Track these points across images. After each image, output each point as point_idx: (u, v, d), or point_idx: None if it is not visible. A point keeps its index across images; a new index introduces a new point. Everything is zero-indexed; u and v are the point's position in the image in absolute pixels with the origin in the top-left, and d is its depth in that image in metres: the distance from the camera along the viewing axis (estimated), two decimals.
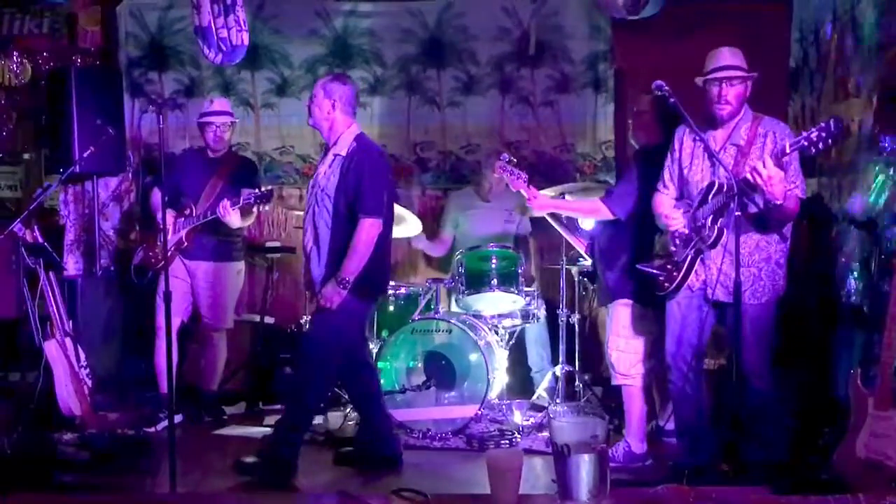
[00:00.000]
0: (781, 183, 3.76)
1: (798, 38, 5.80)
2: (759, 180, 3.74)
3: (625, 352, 4.73)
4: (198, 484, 4.44)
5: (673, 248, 4.23)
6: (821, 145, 3.63)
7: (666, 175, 4.36)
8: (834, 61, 5.21)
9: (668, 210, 4.26)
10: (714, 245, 4.03)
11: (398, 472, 4.69)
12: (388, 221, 4.68)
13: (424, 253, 6.68)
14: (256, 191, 5.34)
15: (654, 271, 4.31)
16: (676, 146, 4.30)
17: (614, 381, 4.83)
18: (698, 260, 4.14)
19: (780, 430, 4.15)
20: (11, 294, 5.74)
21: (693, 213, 4.14)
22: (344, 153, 4.56)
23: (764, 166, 3.72)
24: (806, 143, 3.66)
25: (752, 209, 3.94)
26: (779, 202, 3.80)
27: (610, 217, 4.69)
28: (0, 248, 5.60)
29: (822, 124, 3.64)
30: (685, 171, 4.24)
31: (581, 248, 5.44)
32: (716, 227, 4.00)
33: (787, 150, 3.76)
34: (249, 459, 4.57)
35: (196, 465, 4.73)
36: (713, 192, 4.03)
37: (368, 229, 4.47)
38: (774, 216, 3.95)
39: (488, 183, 6.19)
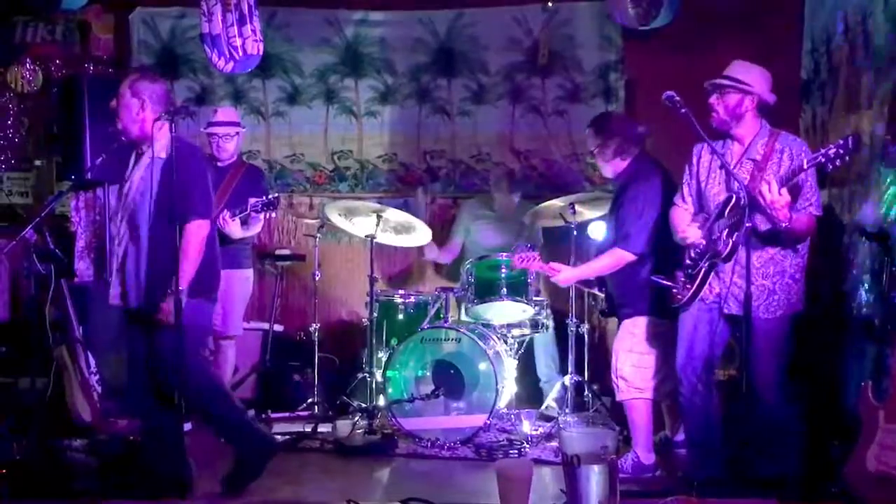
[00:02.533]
0: (786, 208, 3.77)
1: (809, 49, 5.79)
2: (764, 204, 3.75)
3: (639, 367, 4.72)
4: (207, 490, 4.44)
5: (688, 261, 4.24)
6: (838, 162, 3.61)
7: (684, 190, 4.39)
8: (845, 72, 5.20)
9: (684, 225, 4.28)
10: (728, 258, 4.03)
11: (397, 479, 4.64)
12: (213, 220, 4.52)
13: (433, 262, 6.70)
14: (262, 199, 5.33)
15: (668, 283, 4.31)
16: (694, 161, 4.34)
17: (626, 396, 4.78)
18: (712, 272, 4.14)
19: (791, 445, 4.13)
20: (22, 300, 5.77)
21: (709, 227, 4.15)
22: (164, 155, 4.30)
23: (769, 190, 3.73)
24: (823, 160, 3.65)
25: (763, 227, 3.95)
26: (783, 225, 3.80)
27: (632, 259, 4.69)
28: (11, 255, 5.62)
29: (841, 141, 3.61)
30: (702, 185, 4.26)
31: (594, 289, 5.44)
32: (731, 241, 3.99)
33: (805, 167, 3.76)
34: (228, 475, 4.44)
35: (205, 471, 4.74)
36: (730, 206, 4.03)
37: (198, 231, 4.26)
38: (785, 236, 3.95)
39: (500, 202, 6.26)
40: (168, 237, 4.18)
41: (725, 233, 4.02)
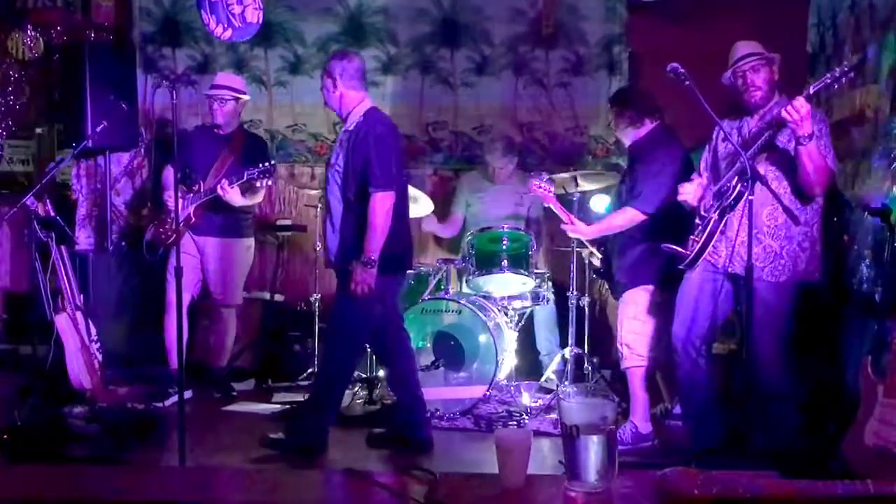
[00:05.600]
0: (811, 120, 3.80)
1: (815, 22, 5.75)
2: (794, 115, 3.76)
3: (641, 335, 4.76)
4: (206, 459, 4.47)
5: (698, 221, 4.25)
6: (843, 80, 3.77)
7: (700, 165, 4.46)
8: (851, 47, 5.17)
9: (680, 185, 4.31)
10: (734, 204, 4.04)
11: (428, 454, 4.66)
12: (402, 193, 4.62)
13: (434, 234, 6.68)
14: (258, 167, 5.32)
15: (679, 249, 4.31)
16: (713, 136, 4.39)
17: (628, 364, 4.83)
18: (721, 226, 4.14)
19: (789, 419, 4.15)
20: (24, 267, 5.75)
21: (719, 184, 4.17)
22: (352, 129, 4.51)
23: (799, 103, 3.77)
24: (830, 81, 3.76)
25: (781, 143, 4.00)
26: (807, 136, 3.81)
27: (643, 219, 4.72)
28: (12, 222, 5.61)
29: (845, 63, 3.82)
30: (718, 158, 4.31)
31: (592, 246, 5.43)
32: (739, 186, 4.01)
33: (811, 91, 3.82)
34: (276, 436, 4.57)
35: (205, 440, 4.76)
36: (738, 162, 4.06)
37: (381, 202, 4.39)
38: (805, 163, 3.91)
39: (492, 167, 6.22)
40: (355, 209, 4.42)
41: (735, 181, 4.04)
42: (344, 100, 4.58)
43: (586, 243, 5.42)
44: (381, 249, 4.40)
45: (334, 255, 4.57)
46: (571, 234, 5.18)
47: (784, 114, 3.81)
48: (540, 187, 5.18)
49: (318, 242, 6.17)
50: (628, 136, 4.91)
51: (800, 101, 3.77)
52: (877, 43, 4.81)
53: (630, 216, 4.78)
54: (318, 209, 6.19)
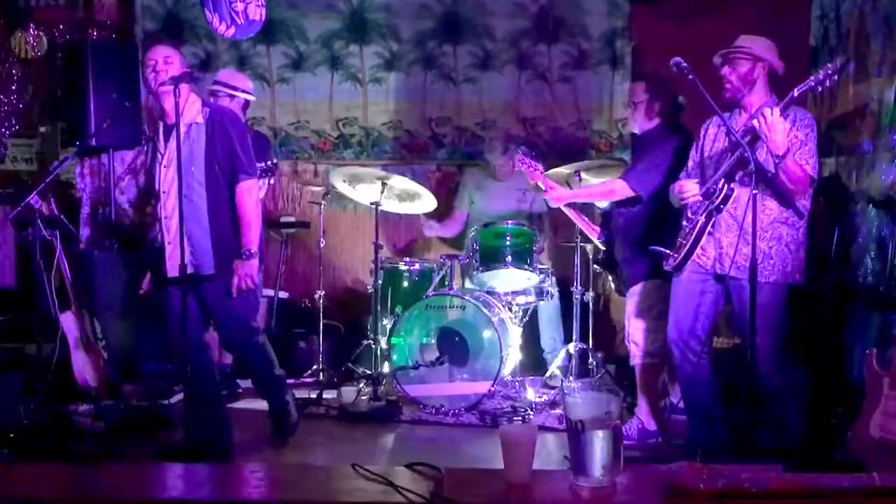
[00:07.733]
0: (784, 134, 3.77)
1: (819, 15, 5.74)
2: (763, 126, 3.74)
3: (651, 331, 4.73)
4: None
5: (685, 222, 4.22)
6: (827, 83, 3.77)
7: (690, 163, 4.41)
8: (855, 39, 5.16)
9: (682, 181, 4.28)
10: (722, 206, 4.03)
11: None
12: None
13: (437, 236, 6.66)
14: (259, 166, 5.30)
15: (667, 251, 4.30)
16: (701, 134, 4.35)
17: (639, 360, 4.80)
18: (708, 228, 4.12)
19: (792, 414, 4.13)
20: (27, 266, 5.74)
21: (707, 185, 4.14)
22: (201, 120, 4.31)
23: (771, 113, 3.74)
24: (814, 84, 3.77)
25: (757, 163, 3.96)
26: (780, 153, 3.79)
27: (629, 195, 4.69)
28: (16, 221, 5.60)
29: (829, 65, 3.81)
30: (705, 156, 4.26)
31: (594, 237, 5.42)
32: (725, 188, 4.00)
33: (795, 94, 3.81)
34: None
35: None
36: (727, 160, 4.05)
37: (248, 191, 4.31)
38: (782, 178, 3.90)
39: (494, 164, 6.21)
40: (225, 201, 4.30)
41: (722, 182, 4.03)
42: (169, 94, 4.32)
43: (592, 237, 5.40)
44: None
45: (214, 253, 4.33)
46: (552, 203, 5.19)
47: (756, 123, 3.80)
48: (524, 162, 5.18)
49: (322, 239, 6.17)
50: (640, 124, 4.86)
51: (770, 113, 3.75)
52: (881, 34, 4.80)
53: (616, 187, 4.77)
54: (322, 206, 6.20)
